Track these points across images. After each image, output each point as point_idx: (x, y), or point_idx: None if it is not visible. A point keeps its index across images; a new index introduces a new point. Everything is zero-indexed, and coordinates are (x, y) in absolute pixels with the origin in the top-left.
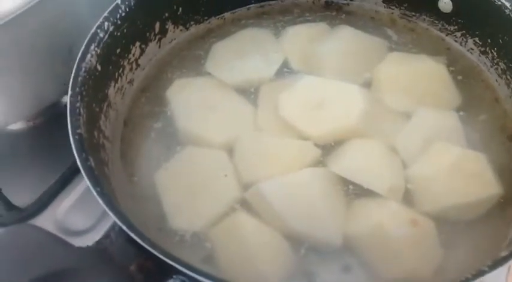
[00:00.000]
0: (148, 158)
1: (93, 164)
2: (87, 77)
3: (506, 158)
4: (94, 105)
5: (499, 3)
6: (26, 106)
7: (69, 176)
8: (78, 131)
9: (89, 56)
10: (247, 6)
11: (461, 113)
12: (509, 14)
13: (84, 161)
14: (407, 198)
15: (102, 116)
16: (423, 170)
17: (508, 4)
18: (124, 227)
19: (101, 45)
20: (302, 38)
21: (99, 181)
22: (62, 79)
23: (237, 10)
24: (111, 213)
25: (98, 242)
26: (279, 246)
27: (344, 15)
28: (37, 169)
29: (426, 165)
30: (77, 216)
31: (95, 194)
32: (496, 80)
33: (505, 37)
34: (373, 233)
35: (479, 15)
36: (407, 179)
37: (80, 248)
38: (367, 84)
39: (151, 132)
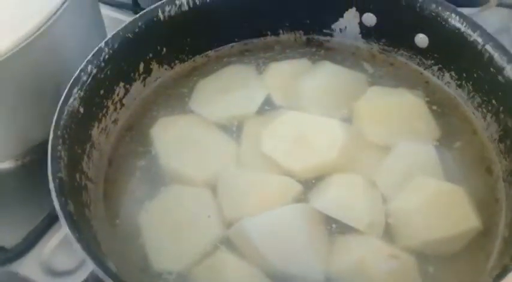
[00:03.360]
0: (132, 197)
1: (72, 209)
2: (70, 120)
3: (484, 190)
4: (76, 147)
5: (472, 39)
6: (13, 145)
7: (55, 216)
8: (59, 174)
9: (71, 99)
10: (231, 44)
11: (440, 146)
12: (481, 50)
13: (64, 206)
14: (388, 233)
15: (85, 157)
16: (403, 204)
17: (480, 40)
18: (102, 273)
19: (84, 88)
20: (284, 74)
21: (78, 226)
22: (49, 118)
23: (220, 48)
24: (89, 259)
25: None
26: None
27: (323, 51)
28: (24, 208)
29: (406, 200)
30: (63, 256)
31: (73, 239)
32: (473, 113)
33: (479, 71)
34: (354, 269)
35: (453, 50)
36: (387, 214)
37: None
38: (348, 119)
39: (135, 171)
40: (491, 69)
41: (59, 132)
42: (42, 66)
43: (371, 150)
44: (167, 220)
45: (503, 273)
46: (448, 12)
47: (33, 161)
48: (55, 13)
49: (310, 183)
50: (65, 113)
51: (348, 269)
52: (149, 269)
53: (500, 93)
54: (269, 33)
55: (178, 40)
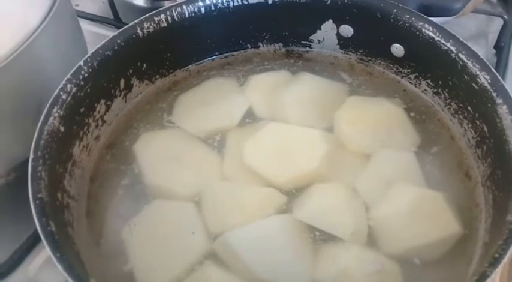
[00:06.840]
0: (115, 214)
1: (54, 229)
2: (50, 139)
3: (464, 195)
4: (57, 166)
5: (445, 48)
6: None
7: None
8: (39, 195)
9: (51, 118)
10: (212, 58)
11: (420, 152)
12: (455, 58)
13: (45, 227)
14: (371, 240)
15: (67, 175)
16: (384, 211)
17: (453, 49)
18: None
19: (64, 107)
20: (265, 85)
21: (60, 246)
22: (32, 136)
23: (201, 62)
24: (70, 280)
25: None
26: None
27: (302, 62)
28: (9, 226)
29: (387, 207)
30: (49, 273)
31: (54, 260)
32: (450, 119)
33: (454, 79)
34: (338, 278)
35: (428, 59)
36: (369, 222)
37: None
38: (329, 128)
39: (118, 188)
40: (466, 76)
41: (39, 153)
42: (23, 85)
43: (352, 158)
44: (152, 237)
45: (481, 279)
46: (421, 23)
47: (17, 179)
48: (34, 32)
49: (291, 194)
50: (45, 133)
51: (332, 277)
52: None
53: (474, 100)
54: (249, 46)
55: (159, 55)
